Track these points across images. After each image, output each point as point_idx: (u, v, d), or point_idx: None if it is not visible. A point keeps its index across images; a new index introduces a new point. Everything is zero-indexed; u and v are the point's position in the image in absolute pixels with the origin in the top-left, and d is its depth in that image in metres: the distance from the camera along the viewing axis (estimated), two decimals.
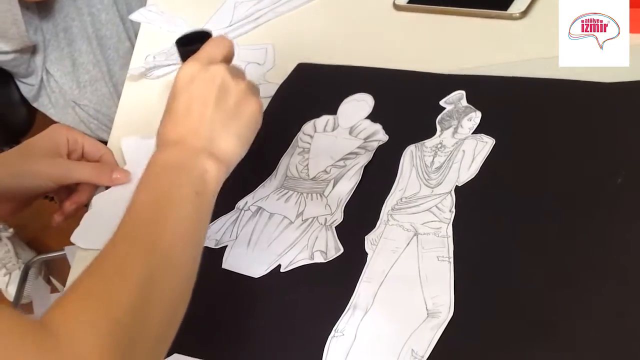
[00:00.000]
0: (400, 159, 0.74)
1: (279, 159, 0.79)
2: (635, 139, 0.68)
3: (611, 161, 0.67)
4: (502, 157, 0.71)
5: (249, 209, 0.74)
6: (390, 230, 0.67)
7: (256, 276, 0.67)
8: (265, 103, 0.88)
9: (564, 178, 0.67)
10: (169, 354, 0.62)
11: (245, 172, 0.79)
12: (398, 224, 0.67)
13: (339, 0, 1.04)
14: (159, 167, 0.58)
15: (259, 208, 0.74)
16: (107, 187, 0.81)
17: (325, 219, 0.70)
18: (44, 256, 1.85)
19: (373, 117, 0.80)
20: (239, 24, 1.05)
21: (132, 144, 0.88)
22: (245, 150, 0.64)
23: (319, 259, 0.67)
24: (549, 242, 0.62)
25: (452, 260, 0.63)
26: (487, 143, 0.72)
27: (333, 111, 0.83)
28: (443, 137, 0.75)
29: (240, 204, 0.75)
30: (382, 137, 0.78)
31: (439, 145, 0.74)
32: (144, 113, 0.98)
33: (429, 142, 0.75)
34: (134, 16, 1.17)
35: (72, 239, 0.77)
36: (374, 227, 0.68)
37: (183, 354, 0.62)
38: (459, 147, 0.73)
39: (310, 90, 0.89)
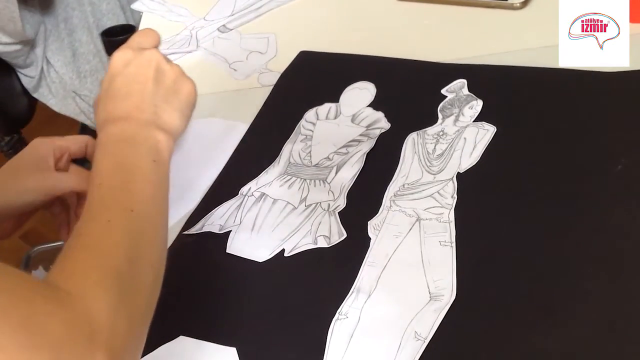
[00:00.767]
0: (402, 147, 0.75)
1: (282, 146, 0.79)
2: (634, 126, 0.69)
3: (611, 148, 0.67)
4: (503, 144, 0.72)
5: (252, 194, 0.75)
6: (393, 216, 0.68)
7: (260, 260, 0.68)
8: (268, 91, 0.89)
9: (564, 165, 0.68)
10: (175, 337, 0.63)
11: (249, 158, 0.80)
12: (400, 210, 0.68)
13: None
14: (114, 139, 0.61)
15: (263, 194, 0.74)
16: None
17: (329, 204, 0.71)
18: (44, 246, 1.85)
19: (375, 105, 0.81)
20: (241, 13, 1.06)
21: None
22: (186, 124, 0.67)
23: (322, 243, 0.67)
24: (548, 227, 0.63)
25: (454, 244, 0.64)
26: (488, 131, 0.73)
27: (335, 99, 0.83)
28: (445, 124, 0.76)
29: (244, 190, 0.76)
30: (384, 124, 0.78)
31: (441, 133, 0.75)
32: None
33: (431, 130, 0.76)
34: (136, 5, 1.17)
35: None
36: (377, 212, 0.69)
37: (188, 336, 0.63)
38: (461, 135, 0.74)
39: (313, 78, 0.89)
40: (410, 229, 0.66)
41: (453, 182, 0.69)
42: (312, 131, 0.80)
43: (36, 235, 1.97)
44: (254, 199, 0.74)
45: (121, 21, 1.47)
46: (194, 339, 0.62)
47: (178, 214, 0.76)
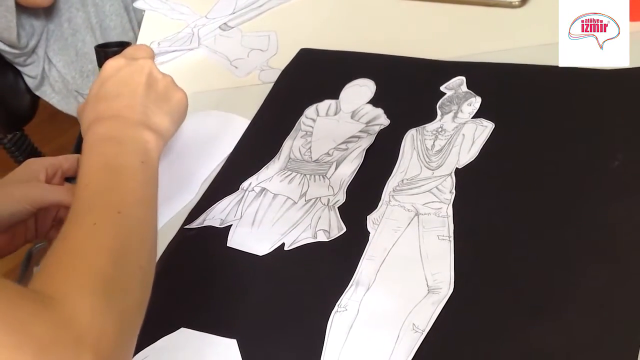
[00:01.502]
0: (401, 143, 0.76)
1: (282, 142, 0.80)
2: (632, 123, 0.70)
3: (608, 145, 0.68)
4: (501, 140, 0.72)
5: (253, 189, 0.76)
6: (391, 211, 0.69)
7: (260, 254, 0.68)
8: (269, 88, 0.90)
9: (562, 161, 0.68)
10: (176, 328, 0.63)
11: (249, 154, 0.81)
12: (399, 205, 0.69)
13: None
14: (101, 138, 0.60)
15: (263, 189, 0.75)
16: None
17: (328, 199, 0.72)
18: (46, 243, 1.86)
19: (375, 102, 0.82)
20: (242, 11, 1.06)
21: None
22: (176, 129, 0.67)
23: (322, 237, 0.68)
24: (546, 222, 0.63)
25: (452, 239, 0.64)
26: (486, 127, 0.74)
27: (335, 96, 0.84)
28: (443, 121, 0.76)
29: (245, 184, 0.76)
30: (383, 121, 0.79)
31: (440, 129, 0.76)
32: None
33: (430, 126, 0.76)
34: (138, 4, 1.18)
35: None
36: (376, 207, 0.69)
37: (189, 328, 0.63)
38: (459, 131, 0.74)
39: (313, 75, 0.90)
40: (409, 224, 0.67)
41: (451, 178, 0.70)
42: (313, 127, 0.81)
43: None
44: (254, 194, 0.75)
45: (124, 22, 1.48)
46: (195, 331, 0.63)
47: (177, 206, 0.77)
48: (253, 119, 0.86)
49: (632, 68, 0.75)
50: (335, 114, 0.82)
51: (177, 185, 0.79)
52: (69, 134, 1.67)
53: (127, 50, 0.69)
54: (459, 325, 0.58)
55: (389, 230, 0.67)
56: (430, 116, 0.77)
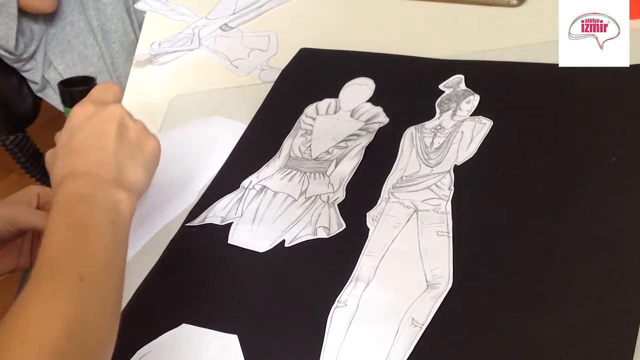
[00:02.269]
0: (400, 140, 0.76)
1: (283, 140, 0.81)
2: (630, 120, 0.70)
3: (605, 141, 0.69)
4: (500, 137, 0.73)
5: (253, 187, 0.76)
6: (391, 207, 0.69)
7: (261, 251, 0.69)
8: (269, 87, 0.90)
9: (559, 157, 0.69)
10: (178, 324, 0.64)
11: (250, 152, 0.82)
12: (398, 201, 0.70)
13: None
14: (71, 197, 0.57)
15: (264, 187, 0.76)
16: None
17: (328, 196, 0.72)
18: None
19: (374, 100, 0.83)
20: (242, 11, 1.07)
21: None
22: (151, 179, 0.64)
23: (322, 234, 0.69)
24: (544, 218, 0.64)
25: (451, 234, 0.65)
26: (485, 124, 0.74)
27: (335, 95, 0.85)
28: (442, 119, 0.77)
29: (245, 182, 0.77)
30: (383, 119, 0.80)
31: (438, 127, 0.76)
32: (149, 100, 1.01)
33: (429, 124, 0.77)
34: (139, 5, 1.18)
35: None
36: (375, 204, 0.70)
37: (191, 324, 0.64)
38: (458, 129, 0.75)
39: (313, 74, 0.91)
40: (408, 220, 0.68)
41: (450, 175, 0.71)
42: (312, 126, 0.82)
43: None
44: (255, 192, 0.76)
45: (126, 24, 1.49)
46: (196, 327, 0.64)
47: (175, 211, 0.77)
48: (253, 118, 0.86)
49: (630, 66, 0.75)
50: (335, 112, 0.83)
51: (176, 189, 0.79)
52: None
53: (95, 92, 0.64)
54: (458, 319, 0.59)
55: (388, 227, 0.67)
56: (429, 114, 0.78)
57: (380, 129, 0.78)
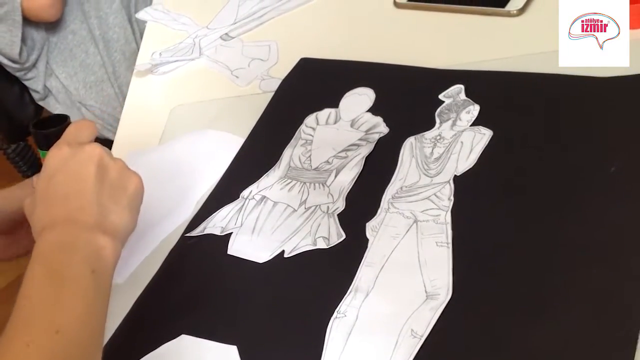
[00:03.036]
0: (400, 150, 0.76)
1: (283, 150, 0.81)
2: (628, 130, 0.70)
3: (605, 151, 0.69)
4: (499, 148, 0.73)
5: (253, 197, 0.76)
6: (390, 218, 0.69)
7: (261, 261, 0.69)
8: (269, 97, 0.91)
9: (559, 167, 0.69)
10: (177, 335, 0.64)
11: (250, 162, 0.82)
12: (398, 212, 0.70)
13: None
14: (51, 247, 0.55)
15: (263, 197, 0.76)
16: None
17: (328, 207, 0.72)
18: None
19: (374, 110, 0.83)
20: (243, 21, 1.07)
21: (134, 156, 0.88)
22: (135, 222, 0.61)
23: (321, 244, 0.69)
24: (543, 228, 0.64)
25: (450, 245, 0.65)
26: (484, 135, 0.74)
27: (335, 104, 0.85)
28: (442, 129, 0.77)
29: (245, 193, 0.77)
30: (382, 129, 0.80)
31: (438, 137, 0.76)
32: (150, 110, 1.01)
33: (429, 134, 0.77)
34: (140, 15, 1.19)
35: None
36: (375, 214, 0.70)
37: (190, 335, 0.64)
38: (458, 139, 0.75)
39: (313, 84, 0.91)
40: (408, 230, 0.67)
41: (450, 185, 0.71)
42: (312, 136, 0.82)
43: None
44: (254, 202, 0.76)
45: (128, 33, 1.49)
46: (196, 338, 0.63)
47: (171, 226, 0.77)
48: (254, 127, 0.86)
49: (630, 75, 0.75)
50: (335, 122, 0.83)
51: (171, 205, 0.79)
52: None
53: (69, 132, 0.62)
54: (457, 330, 0.58)
55: (387, 237, 0.67)
56: (429, 124, 0.78)
57: (380, 139, 0.79)
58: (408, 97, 0.84)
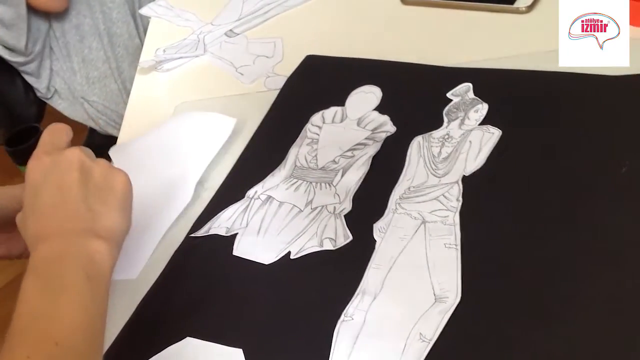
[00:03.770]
0: (407, 150, 0.75)
1: (288, 149, 0.80)
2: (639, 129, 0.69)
3: (616, 151, 0.68)
4: (509, 147, 0.72)
5: (258, 197, 0.75)
6: (398, 219, 0.68)
7: (266, 262, 0.68)
8: (274, 95, 0.90)
9: (569, 168, 0.68)
10: (181, 338, 0.63)
11: (255, 162, 0.81)
12: (406, 213, 0.69)
13: None
14: (44, 259, 0.54)
15: (269, 197, 0.75)
16: None
17: (334, 207, 0.72)
18: None
19: (381, 108, 0.82)
20: (247, 17, 1.06)
21: (119, 151, 0.88)
22: (129, 222, 0.60)
23: (328, 246, 0.68)
24: (553, 230, 0.63)
25: (459, 247, 0.64)
26: (493, 134, 0.73)
27: (341, 103, 0.84)
28: (450, 128, 0.76)
29: (250, 192, 0.76)
30: (390, 128, 0.79)
31: (446, 136, 0.75)
32: (154, 107, 1.00)
33: (436, 133, 0.76)
34: (144, 10, 1.18)
35: None
36: (382, 215, 0.69)
37: (195, 338, 0.63)
38: (466, 138, 0.74)
39: (319, 82, 0.90)
40: (416, 232, 0.67)
41: (458, 185, 0.70)
42: (318, 135, 0.81)
43: None
44: (260, 202, 0.75)
45: (131, 28, 1.48)
46: (201, 340, 0.63)
47: (174, 213, 0.77)
48: (259, 126, 0.85)
49: None
50: (342, 121, 0.82)
51: (170, 191, 0.79)
52: (75, 141, 1.67)
53: (44, 140, 0.60)
54: (467, 334, 0.58)
55: (395, 239, 0.66)
56: (437, 123, 0.77)
57: (387, 138, 0.78)
58: (415, 95, 0.83)
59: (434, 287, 0.61)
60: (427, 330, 0.58)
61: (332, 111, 0.83)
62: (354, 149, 0.77)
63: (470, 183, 0.69)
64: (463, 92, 0.79)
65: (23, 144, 0.64)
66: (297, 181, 0.76)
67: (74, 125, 1.55)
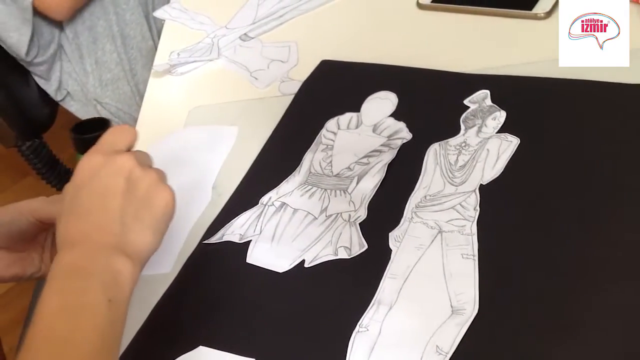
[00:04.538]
0: (424, 157, 0.74)
1: (303, 156, 0.79)
2: None
3: (637, 162, 0.66)
4: (527, 156, 0.71)
5: (272, 204, 0.74)
6: (414, 228, 0.67)
7: (280, 270, 0.67)
8: (289, 100, 0.89)
9: (589, 177, 0.67)
10: (194, 347, 0.62)
11: (269, 168, 0.80)
12: (422, 222, 0.68)
13: None
14: (66, 270, 0.53)
15: (283, 204, 0.74)
16: None
17: (349, 215, 0.71)
18: None
19: (397, 115, 0.81)
20: (262, 21, 1.06)
21: None
22: (159, 243, 0.57)
23: (343, 254, 0.67)
24: (573, 239, 0.62)
25: (476, 257, 0.63)
26: (511, 142, 0.72)
27: (356, 109, 0.83)
28: (467, 135, 0.75)
29: (264, 199, 0.75)
30: (405, 135, 0.78)
31: (463, 144, 0.74)
32: (168, 111, 0.99)
33: (453, 141, 0.75)
34: (158, 13, 1.17)
35: None
36: (398, 224, 0.68)
37: (208, 347, 0.62)
38: (484, 146, 0.73)
39: (334, 88, 0.89)
40: (432, 241, 0.66)
41: (475, 194, 0.69)
42: (333, 141, 0.80)
43: None
44: (274, 209, 0.74)
45: (144, 30, 1.48)
46: (213, 349, 0.62)
47: (195, 213, 0.77)
48: (273, 131, 0.85)
49: None
50: (357, 127, 0.81)
51: (187, 194, 0.78)
52: None
53: (106, 138, 0.59)
54: (484, 347, 0.57)
55: (411, 248, 0.65)
56: (454, 130, 0.76)
57: (403, 145, 0.77)
58: (432, 102, 0.82)
59: (450, 298, 0.60)
60: (443, 343, 0.57)
61: (347, 117, 0.82)
62: (369, 156, 0.76)
63: (487, 192, 0.68)
64: (480, 99, 0.78)
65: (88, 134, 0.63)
66: (311, 188, 0.75)
67: None
